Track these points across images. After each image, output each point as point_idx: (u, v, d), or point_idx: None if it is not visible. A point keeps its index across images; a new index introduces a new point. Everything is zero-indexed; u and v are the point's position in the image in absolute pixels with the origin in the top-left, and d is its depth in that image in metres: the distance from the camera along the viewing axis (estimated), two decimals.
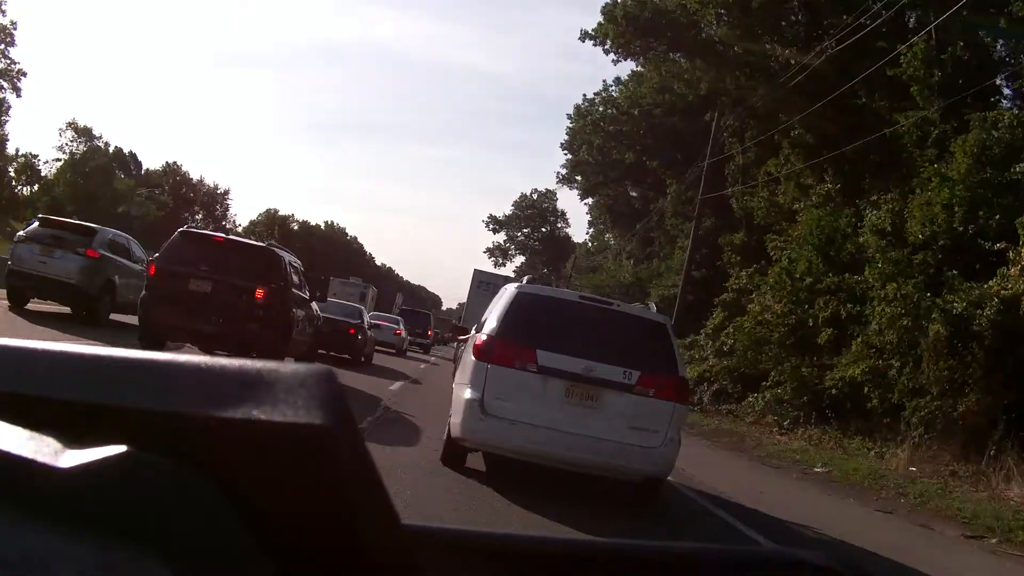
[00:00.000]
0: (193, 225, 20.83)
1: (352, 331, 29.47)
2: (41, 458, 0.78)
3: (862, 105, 34.46)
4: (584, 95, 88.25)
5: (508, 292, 12.38)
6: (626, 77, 64.52)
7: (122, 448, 0.77)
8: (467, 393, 11.46)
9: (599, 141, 69.19)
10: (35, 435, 0.80)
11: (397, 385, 24.51)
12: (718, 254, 46.92)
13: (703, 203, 40.46)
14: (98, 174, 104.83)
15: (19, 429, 0.81)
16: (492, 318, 12.02)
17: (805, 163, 36.62)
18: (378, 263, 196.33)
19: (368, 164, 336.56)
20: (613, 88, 68.34)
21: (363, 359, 30.59)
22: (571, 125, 77.96)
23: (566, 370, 11.33)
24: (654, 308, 13.10)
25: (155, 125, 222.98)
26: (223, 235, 22.26)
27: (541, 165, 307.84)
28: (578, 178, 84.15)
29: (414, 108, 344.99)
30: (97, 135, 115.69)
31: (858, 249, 28.82)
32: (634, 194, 73.73)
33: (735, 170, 45.03)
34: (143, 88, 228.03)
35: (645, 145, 60.99)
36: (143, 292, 18.62)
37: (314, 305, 22.05)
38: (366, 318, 33.60)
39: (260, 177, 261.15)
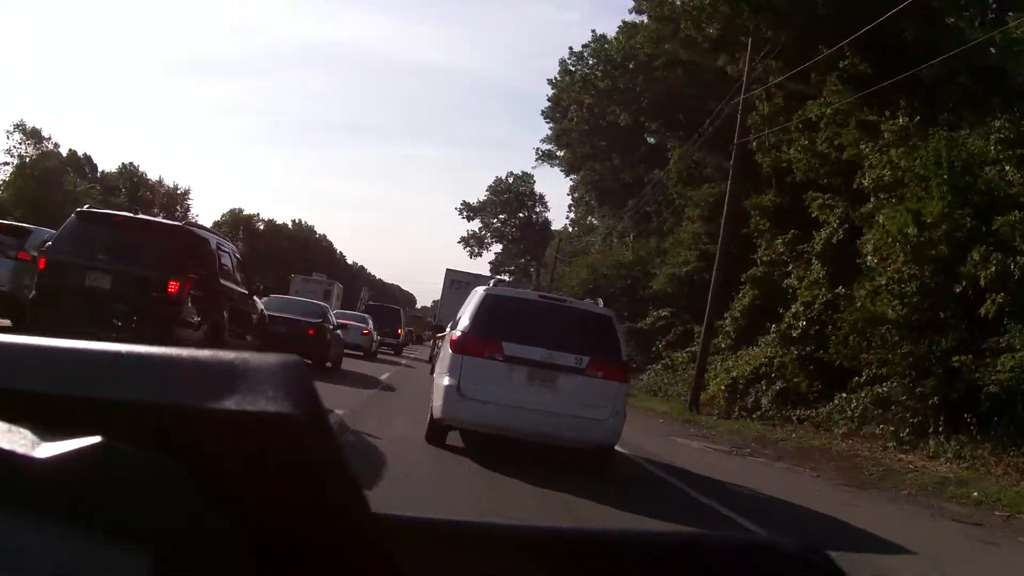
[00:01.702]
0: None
1: (312, 332, 26.26)
2: (18, 449, 0.79)
3: (936, 16, 27.06)
4: (570, 48, 76.13)
5: (478, 294, 14.41)
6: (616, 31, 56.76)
7: (96, 439, 0.78)
8: (446, 380, 13.47)
9: (589, 100, 60.64)
10: (11, 427, 0.81)
11: (368, 394, 21.97)
12: (737, 223, 39.43)
13: (739, 148, 32.39)
14: (50, 176, 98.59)
15: None
16: (465, 317, 14.11)
17: (861, 98, 28.92)
18: (349, 262, 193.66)
19: (339, 164, 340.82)
20: (606, 39, 60.18)
21: (328, 363, 27.40)
22: (554, 89, 70.55)
23: (528, 358, 13.36)
24: (600, 303, 15.35)
25: (112, 127, 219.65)
26: (127, 214, 18.05)
27: (517, 162, 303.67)
28: (560, 153, 77.18)
29: (386, 107, 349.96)
30: (47, 136, 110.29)
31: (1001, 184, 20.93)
32: (616, 164, 65.60)
33: (759, 121, 37.27)
34: (100, 90, 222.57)
35: (642, 104, 52.84)
36: (32, 292, 15.81)
37: (258, 302, 19.86)
38: (331, 317, 30.22)
39: (225, 179, 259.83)
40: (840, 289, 25.75)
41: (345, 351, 35.36)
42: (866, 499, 14.95)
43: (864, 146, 27.61)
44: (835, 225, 28.64)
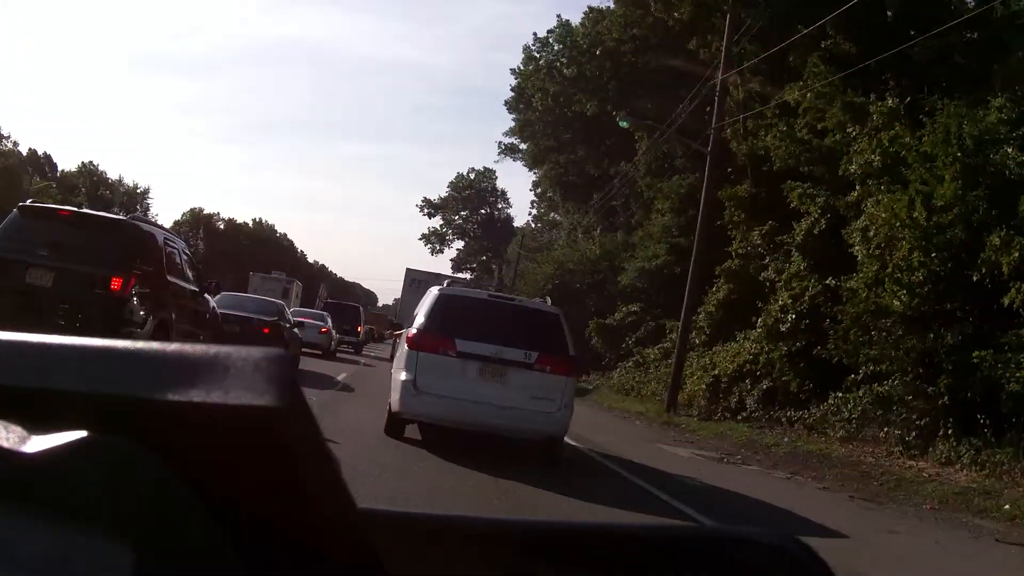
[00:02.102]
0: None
1: (267, 330, 25.09)
2: (7, 444, 0.80)
3: None
4: (535, 34, 76.16)
5: (432, 294, 15.16)
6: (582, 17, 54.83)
7: (82, 433, 0.79)
8: (403, 375, 14.10)
9: (554, 88, 58.47)
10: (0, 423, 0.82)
11: (327, 394, 20.68)
12: (713, 214, 37.69)
13: (716, 132, 30.65)
14: (9, 175, 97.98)
15: None
16: (420, 315, 14.88)
17: (845, 79, 27.36)
18: (311, 260, 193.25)
19: (299, 163, 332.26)
20: (571, 26, 58.14)
21: None
22: (517, 79, 68.46)
23: (479, 354, 13.98)
24: (549, 302, 17.12)
25: (72, 126, 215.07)
26: (71, 208, 17.90)
27: (480, 160, 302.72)
28: (523, 147, 75.16)
29: (344, 105, 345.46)
30: (6, 135, 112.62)
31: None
32: (580, 157, 63.81)
33: (733, 108, 35.54)
34: (60, 88, 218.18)
35: (608, 93, 50.88)
36: None
37: (210, 300, 19.46)
38: (288, 315, 29.32)
39: (186, 178, 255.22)
40: (830, 280, 24.03)
41: (303, 350, 34.71)
42: (892, 517, 13.19)
43: (851, 129, 25.83)
44: (816, 215, 27.03)
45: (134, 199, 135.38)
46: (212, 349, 0.84)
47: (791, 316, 24.63)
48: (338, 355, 43.31)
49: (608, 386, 39.32)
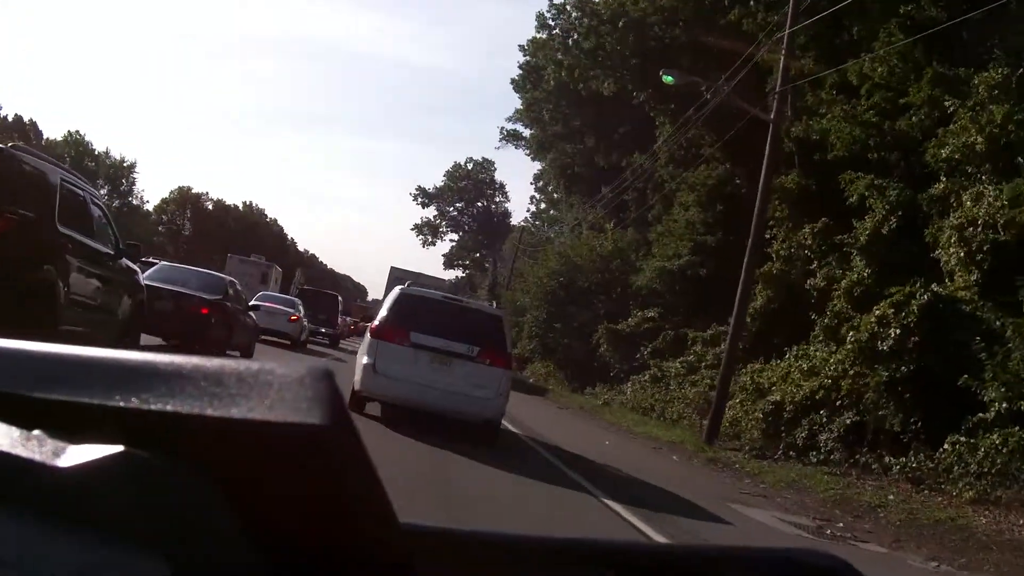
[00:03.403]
0: None
1: (207, 311, 21.57)
2: (40, 458, 0.81)
3: None
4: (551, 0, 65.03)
5: (395, 293, 17.51)
6: None
7: (119, 448, 0.80)
8: (365, 359, 16.18)
9: (569, 61, 52.74)
10: (33, 435, 0.83)
11: None
12: (737, 212, 33.94)
13: (779, 100, 25.24)
14: None
15: (17, 429, 0.84)
16: (383, 309, 17.26)
17: (925, 50, 23.14)
18: (300, 248, 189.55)
19: (298, 155, 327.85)
20: None
21: (229, 351, 23.10)
22: (526, 56, 64.21)
23: (430, 345, 15.97)
24: (494, 305, 22.15)
25: (62, 94, 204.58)
26: None
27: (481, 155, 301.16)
28: (527, 133, 70.76)
29: (346, 100, 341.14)
30: None
31: None
32: (590, 147, 59.23)
33: (772, 91, 30.61)
34: (52, 55, 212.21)
35: (630, 70, 45.40)
36: None
37: (132, 268, 16.28)
38: (237, 293, 25.21)
39: (177, 160, 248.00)
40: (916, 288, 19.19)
41: (269, 338, 34.26)
42: None
43: (949, 103, 20.99)
44: (885, 211, 22.72)
45: (120, 172, 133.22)
46: (254, 364, 0.82)
47: (894, 331, 19.00)
48: (309, 346, 40.55)
49: (620, 402, 34.24)
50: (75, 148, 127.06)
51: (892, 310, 19.00)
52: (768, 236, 29.20)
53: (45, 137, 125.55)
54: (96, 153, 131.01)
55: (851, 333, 20.44)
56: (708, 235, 35.70)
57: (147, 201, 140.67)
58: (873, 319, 19.41)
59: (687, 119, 35.62)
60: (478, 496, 11.13)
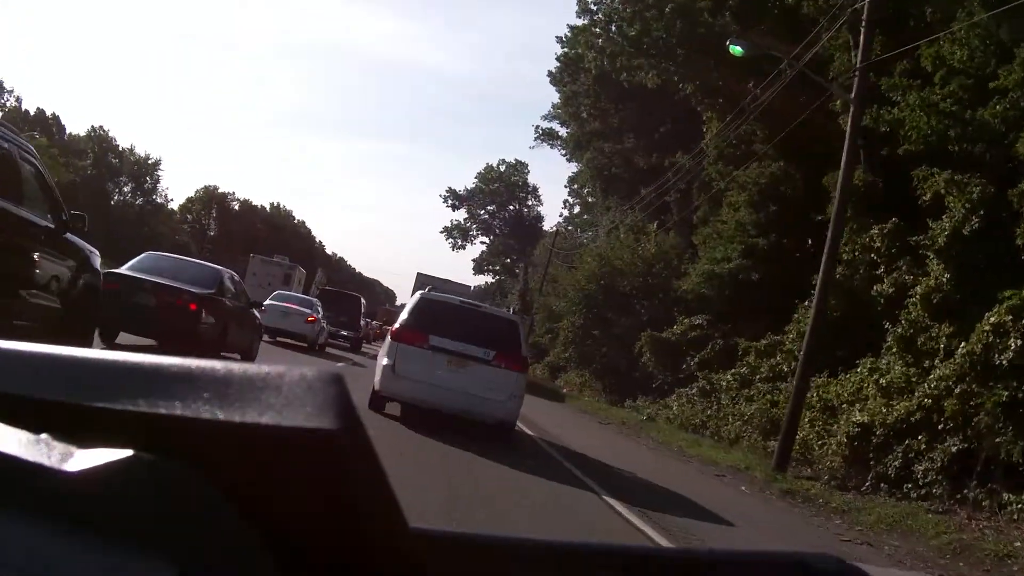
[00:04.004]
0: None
1: (194, 306, 19.00)
2: (47, 462, 0.80)
3: None
4: None
5: (415, 297, 18.44)
6: None
7: (128, 452, 0.80)
8: (384, 361, 16.84)
9: (612, 47, 48.58)
10: (41, 438, 0.83)
11: None
12: (791, 213, 32.03)
13: (861, 76, 22.36)
14: None
15: (25, 433, 0.84)
16: (404, 313, 17.95)
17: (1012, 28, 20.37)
18: (328, 252, 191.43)
19: (330, 158, 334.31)
20: None
21: (225, 353, 20.28)
22: (564, 48, 61.52)
23: (447, 348, 16.56)
24: (510, 310, 22.61)
25: (86, 89, 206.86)
26: None
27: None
28: (563, 133, 68.35)
29: (376, 105, 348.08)
30: (9, 89, 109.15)
31: None
32: (629, 147, 56.65)
33: (841, 76, 27.86)
34: (80, 51, 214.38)
35: (676, 61, 42.40)
36: None
37: (79, 244, 13.00)
38: (232, 286, 22.18)
39: (203, 160, 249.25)
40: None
41: (285, 341, 33.37)
42: None
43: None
44: (965, 210, 20.40)
45: (144, 169, 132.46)
46: (264, 367, 0.82)
47: (1014, 341, 15.98)
48: (328, 350, 38.63)
49: (666, 417, 31.32)
50: (98, 144, 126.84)
51: (1010, 317, 16.17)
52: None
53: (68, 131, 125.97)
54: (120, 149, 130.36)
55: (963, 346, 17.65)
56: (760, 237, 33.12)
57: (171, 199, 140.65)
58: (988, 327, 16.58)
59: (741, 108, 33.17)
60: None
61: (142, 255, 19.99)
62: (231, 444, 0.78)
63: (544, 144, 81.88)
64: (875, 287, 23.83)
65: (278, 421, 0.76)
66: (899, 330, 21.49)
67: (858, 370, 22.70)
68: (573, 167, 75.70)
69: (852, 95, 21.18)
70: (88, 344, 13.29)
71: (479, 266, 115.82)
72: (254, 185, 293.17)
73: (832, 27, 25.30)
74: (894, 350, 21.63)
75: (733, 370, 30.28)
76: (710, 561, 1.21)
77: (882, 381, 20.62)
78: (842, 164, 21.23)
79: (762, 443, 23.60)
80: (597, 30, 52.99)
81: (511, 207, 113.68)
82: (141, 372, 0.84)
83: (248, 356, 22.25)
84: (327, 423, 0.76)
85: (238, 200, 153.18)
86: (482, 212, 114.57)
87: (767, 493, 17.07)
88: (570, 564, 1.13)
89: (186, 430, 0.78)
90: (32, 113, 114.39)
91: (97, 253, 13.80)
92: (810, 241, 29.35)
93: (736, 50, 23.94)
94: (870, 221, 25.03)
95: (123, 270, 18.59)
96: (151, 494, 0.77)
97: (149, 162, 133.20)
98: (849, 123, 21.38)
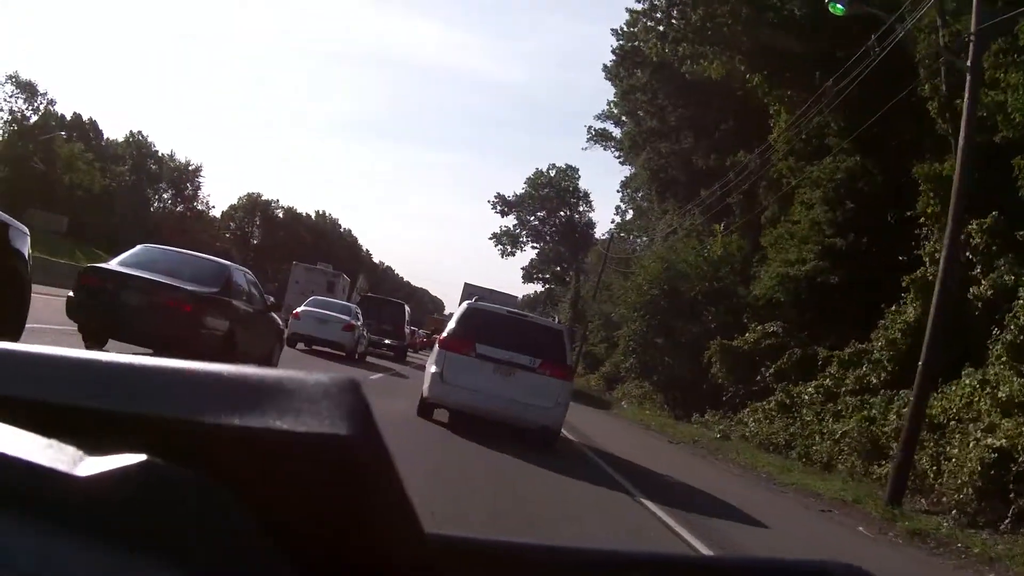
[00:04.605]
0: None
1: (189, 308, 16.13)
2: (59, 466, 0.80)
3: None
4: None
5: (462, 307, 19.24)
6: None
7: (141, 457, 0.79)
8: (433, 368, 17.56)
9: (674, 32, 45.61)
10: (53, 443, 0.82)
11: None
12: (870, 211, 30.24)
13: (978, 40, 19.65)
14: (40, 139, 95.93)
15: (36, 436, 0.83)
16: (452, 322, 18.75)
17: None
18: (375, 260, 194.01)
19: (376, 167, 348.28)
20: None
21: (234, 362, 13.72)
22: (620, 40, 59.00)
23: (494, 356, 17.23)
24: (556, 320, 23.47)
25: (125, 94, 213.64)
26: None
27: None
28: (617, 132, 66.93)
29: (427, 113, 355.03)
30: (43, 92, 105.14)
31: None
32: (687, 147, 54.80)
33: (930, 55, 25.41)
34: (118, 56, 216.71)
35: (741, 50, 39.44)
36: None
37: (20, 230, 10.42)
38: (241, 284, 19.08)
39: (246, 166, 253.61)
40: None
41: (322, 350, 32.24)
42: None
43: None
44: None
45: (184, 176, 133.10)
46: (279, 372, 0.83)
47: None
48: (368, 359, 36.70)
49: (741, 435, 28.44)
50: (136, 149, 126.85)
51: None
52: (917, 234, 25.58)
53: (106, 137, 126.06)
54: (160, 155, 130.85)
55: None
56: (837, 237, 31.12)
57: (213, 206, 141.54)
58: None
59: (822, 92, 30.57)
60: None
61: (136, 247, 17.48)
62: (245, 450, 0.78)
63: (597, 145, 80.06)
64: (971, 289, 22.14)
65: (293, 427, 0.76)
66: (1008, 336, 19.59)
67: (964, 382, 20.38)
68: (626, 171, 74.26)
69: (969, 62, 18.51)
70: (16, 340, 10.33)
71: (528, 274, 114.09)
72: (300, 193, 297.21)
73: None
74: (1003, 359, 19.54)
75: (815, 382, 27.89)
76: (733, 568, 1.22)
77: (1000, 395, 18.24)
78: (959, 147, 18.97)
79: (862, 466, 21.08)
80: (658, 15, 50.02)
81: (562, 213, 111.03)
82: (154, 375, 0.84)
83: (267, 364, 17.81)
84: (343, 429, 0.76)
85: (282, 208, 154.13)
86: (532, 218, 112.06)
87: (890, 536, 14.26)
88: (589, 570, 1.13)
89: (200, 435, 0.78)
90: (68, 118, 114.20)
91: (25, 229, 10.51)
92: (889, 240, 27.41)
93: (837, 8, 21.54)
94: (965, 216, 22.45)
95: (111, 265, 16.21)
96: (164, 499, 0.76)
97: (189, 168, 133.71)
98: (966, 97, 18.78)
